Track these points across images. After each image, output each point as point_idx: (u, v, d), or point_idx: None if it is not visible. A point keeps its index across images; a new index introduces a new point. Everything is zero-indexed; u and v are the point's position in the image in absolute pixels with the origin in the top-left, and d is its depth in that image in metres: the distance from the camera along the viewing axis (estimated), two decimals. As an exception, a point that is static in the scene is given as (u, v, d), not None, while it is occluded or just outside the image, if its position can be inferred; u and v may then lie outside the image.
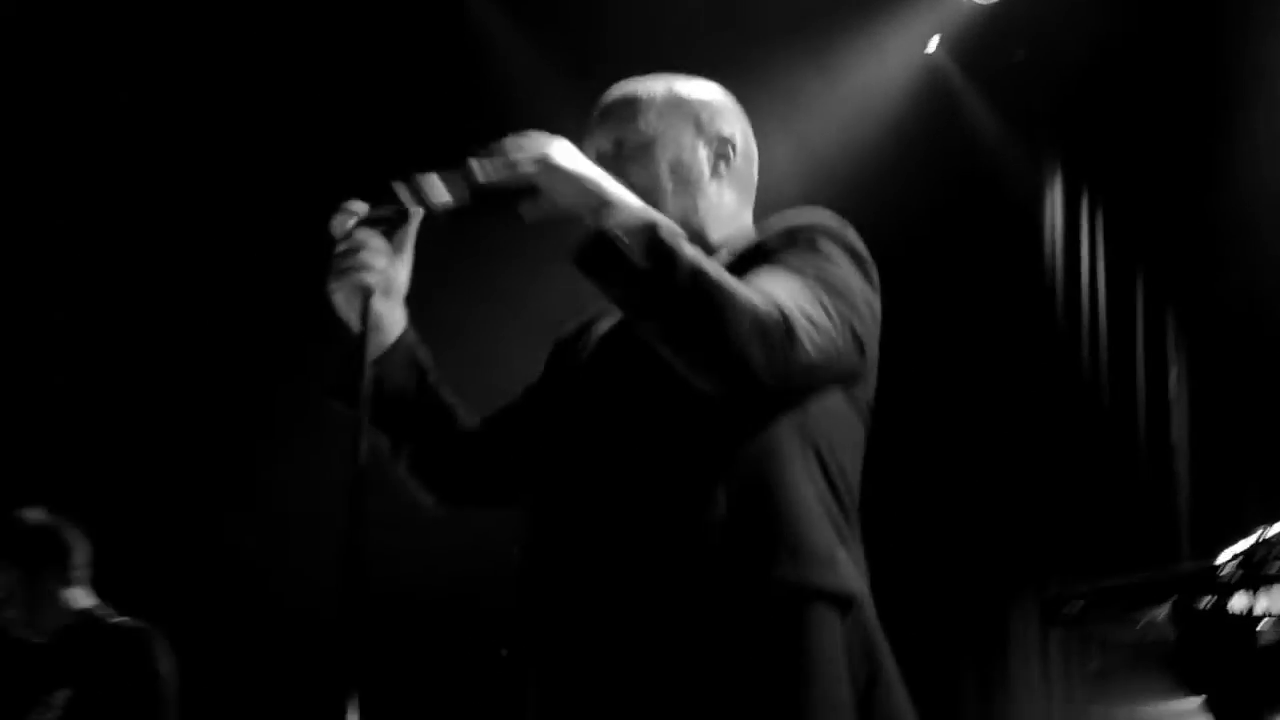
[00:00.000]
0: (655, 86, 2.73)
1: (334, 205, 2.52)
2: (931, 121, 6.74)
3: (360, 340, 2.48)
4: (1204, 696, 4.64)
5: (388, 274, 2.57)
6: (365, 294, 2.52)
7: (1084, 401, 6.47)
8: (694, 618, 2.35)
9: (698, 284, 2.30)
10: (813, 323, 2.36)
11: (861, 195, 6.32)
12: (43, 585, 4.43)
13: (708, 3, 6.22)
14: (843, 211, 6.16)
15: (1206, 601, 4.81)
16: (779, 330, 2.31)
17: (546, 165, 2.46)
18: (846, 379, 2.50)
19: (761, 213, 2.71)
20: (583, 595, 2.44)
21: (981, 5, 6.58)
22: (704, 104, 2.74)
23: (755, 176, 2.79)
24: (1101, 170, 6.67)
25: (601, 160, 2.64)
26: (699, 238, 2.58)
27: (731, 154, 2.72)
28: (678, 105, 2.71)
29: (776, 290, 2.37)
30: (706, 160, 2.70)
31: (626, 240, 2.31)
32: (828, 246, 2.50)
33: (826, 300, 2.40)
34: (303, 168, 5.91)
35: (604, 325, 2.69)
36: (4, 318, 6.06)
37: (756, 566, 2.36)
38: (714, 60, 6.29)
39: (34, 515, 4.51)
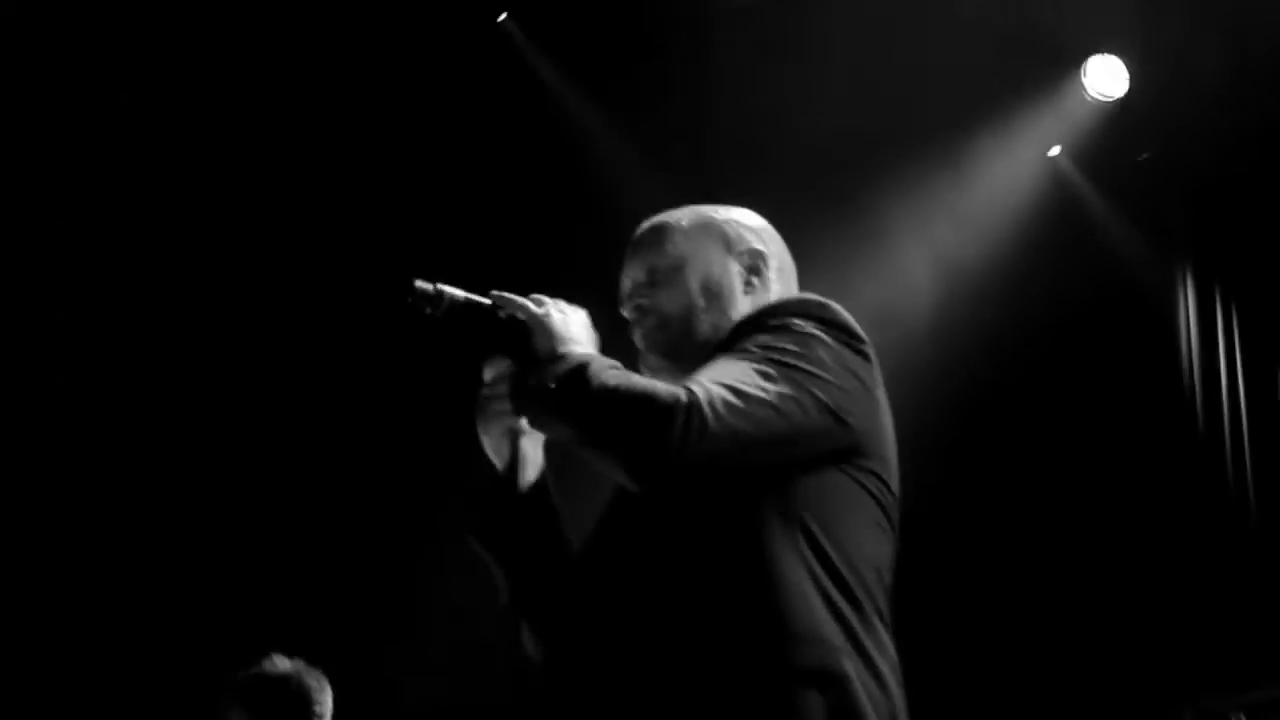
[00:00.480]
0: (683, 213, 2.79)
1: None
2: (1060, 225, 6.69)
3: (507, 479, 2.62)
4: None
5: None
6: (514, 435, 2.63)
7: (1230, 509, 6.35)
8: (695, 711, 2.36)
9: (594, 394, 2.39)
10: (737, 396, 2.37)
11: (993, 302, 6.48)
12: None
13: (845, 110, 6.18)
14: (975, 319, 6.11)
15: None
16: (677, 413, 2.34)
17: (534, 314, 2.54)
18: (827, 451, 2.48)
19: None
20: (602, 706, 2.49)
21: (1104, 103, 6.53)
22: (731, 223, 2.77)
23: (794, 289, 2.78)
24: (1234, 270, 6.58)
25: (636, 289, 2.73)
26: None
27: (764, 267, 2.74)
28: (705, 227, 2.75)
29: (701, 375, 2.42)
30: (739, 275, 2.72)
31: (553, 385, 2.44)
32: (797, 324, 2.52)
33: (772, 373, 2.42)
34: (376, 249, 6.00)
35: None
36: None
37: (742, 654, 2.37)
38: (844, 166, 6.49)
39: (278, 663, 4.54)
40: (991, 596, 6.40)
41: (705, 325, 2.67)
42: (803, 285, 2.77)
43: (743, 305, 2.69)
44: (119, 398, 6.16)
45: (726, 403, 2.36)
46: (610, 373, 2.42)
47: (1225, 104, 6.33)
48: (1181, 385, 6.58)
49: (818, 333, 2.52)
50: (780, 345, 2.48)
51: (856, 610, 2.45)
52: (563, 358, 2.47)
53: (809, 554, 2.45)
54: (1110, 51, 6.44)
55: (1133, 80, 6.43)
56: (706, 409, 2.35)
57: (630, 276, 2.76)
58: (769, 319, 2.55)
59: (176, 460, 6.17)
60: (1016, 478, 6.56)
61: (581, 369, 2.42)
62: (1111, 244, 6.79)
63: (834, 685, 2.37)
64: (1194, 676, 6.22)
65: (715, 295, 2.69)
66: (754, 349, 2.48)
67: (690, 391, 2.36)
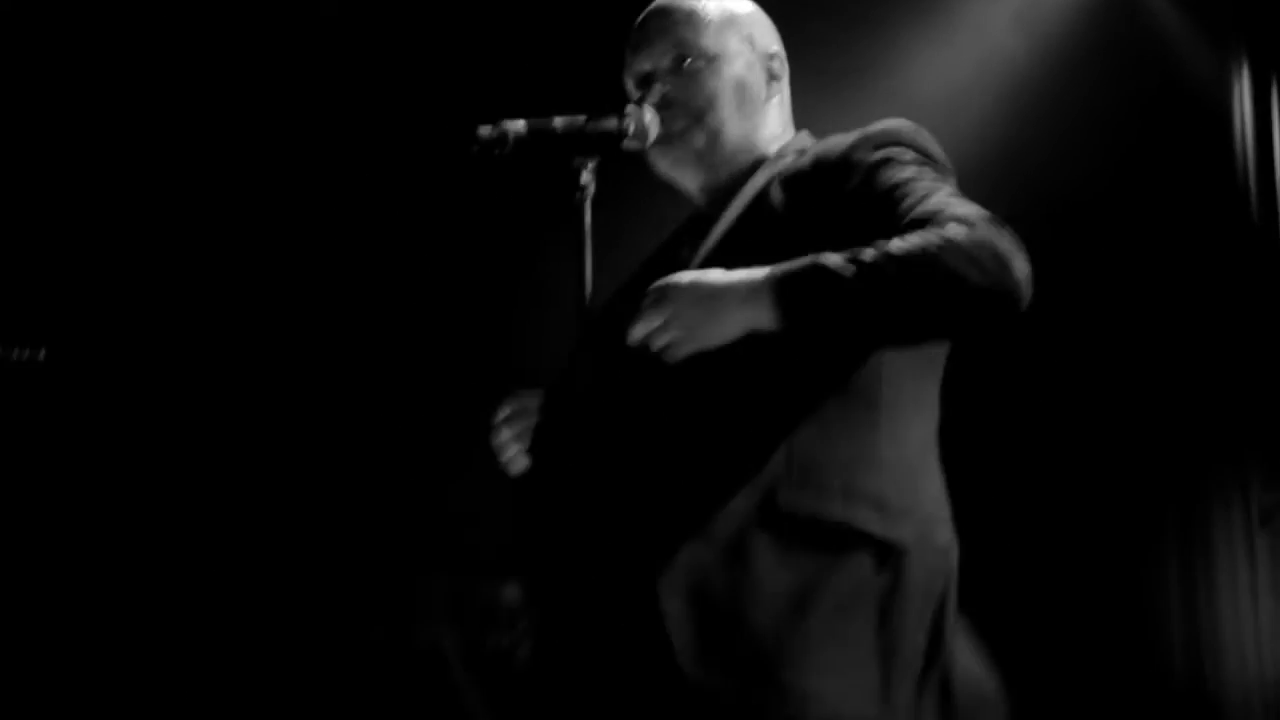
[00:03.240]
0: (706, 2, 2.72)
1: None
2: (1112, 16, 6.61)
3: None
4: None
5: None
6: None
7: None
8: (754, 549, 2.33)
9: (904, 267, 2.23)
10: (994, 220, 2.34)
11: (1039, 98, 6.47)
12: None
13: None
14: (1028, 108, 6.18)
15: None
16: (994, 244, 2.28)
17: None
18: None
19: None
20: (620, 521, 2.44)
21: None
22: (752, 20, 2.73)
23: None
24: None
25: (661, 74, 2.66)
26: (756, 156, 2.67)
27: (779, 71, 2.74)
28: (731, 22, 2.70)
29: (952, 207, 2.33)
30: (763, 79, 2.71)
31: (824, 276, 2.23)
32: (921, 162, 2.50)
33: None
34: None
35: (681, 255, 2.69)
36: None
37: (821, 510, 2.37)
38: None
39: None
40: (1046, 393, 6.47)
41: (735, 128, 2.64)
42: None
43: (766, 109, 2.69)
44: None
45: (996, 222, 2.36)
46: (885, 248, 2.30)
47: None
48: (1235, 177, 6.55)
49: (937, 163, 2.54)
50: (947, 183, 2.47)
51: (927, 461, 2.54)
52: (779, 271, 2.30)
53: (897, 416, 2.47)
54: None
55: None
56: (1000, 232, 2.33)
57: (651, 60, 2.67)
58: (896, 149, 2.50)
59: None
60: (1069, 271, 6.54)
61: (850, 259, 2.27)
62: (1164, 34, 6.70)
63: (903, 554, 2.42)
64: (1245, 471, 6.32)
65: (746, 99, 2.66)
66: (937, 181, 2.44)
67: (975, 221, 2.31)
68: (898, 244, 2.25)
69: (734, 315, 2.24)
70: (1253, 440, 6.30)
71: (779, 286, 2.21)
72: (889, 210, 2.37)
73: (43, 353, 4.66)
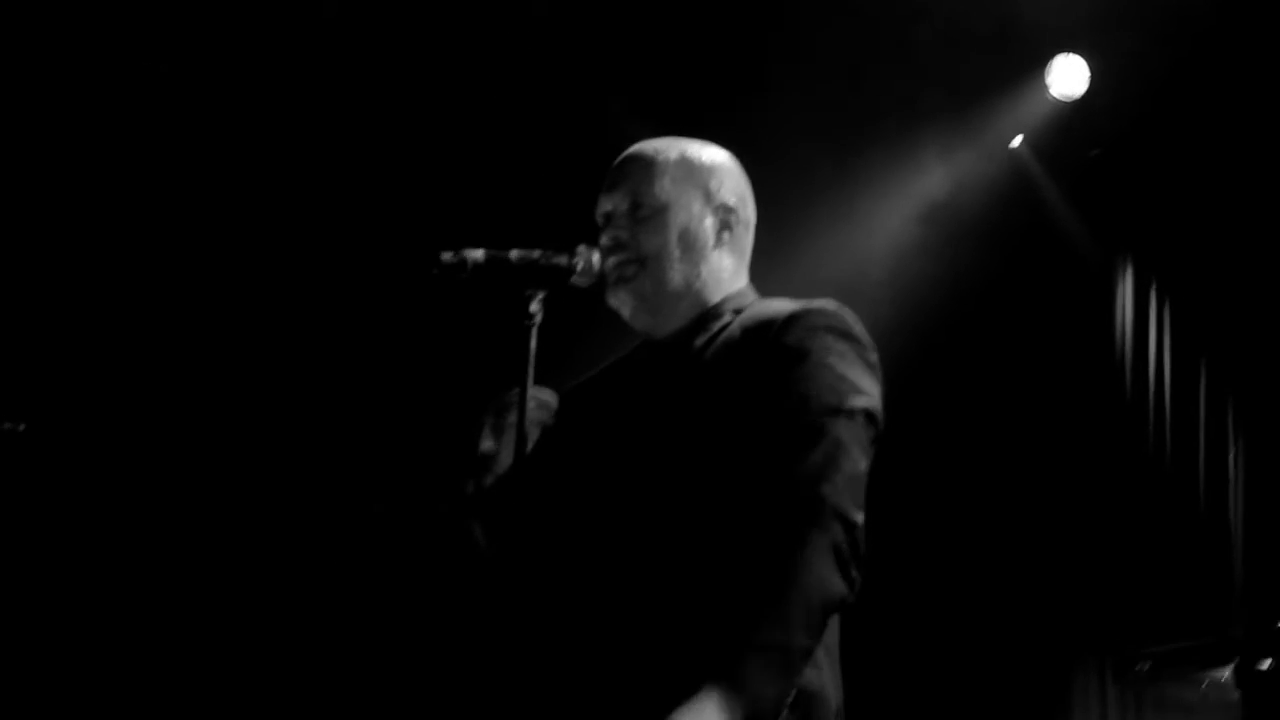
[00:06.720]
0: (670, 152, 2.84)
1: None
2: (1017, 209, 7.10)
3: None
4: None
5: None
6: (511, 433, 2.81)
7: (1149, 477, 6.83)
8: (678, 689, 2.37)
9: (791, 645, 2.35)
10: (854, 485, 2.47)
11: (945, 279, 6.87)
12: None
13: (834, 96, 6.61)
14: (927, 292, 6.46)
15: (1268, 663, 5.17)
16: (850, 548, 2.42)
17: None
18: None
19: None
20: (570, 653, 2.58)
21: (1064, 101, 6.86)
22: (713, 172, 2.84)
23: (752, 241, 2.90)
24: (1169, 262, 7.04)
25: (614, 217, 2.81)
26: (700, 301, 2.79)
27: (734, 223, 2.84)
28: (690, 173, 2.82)
29: (828, 468, 2.44)
30: (712, 229, 2.81)
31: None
32: (842, 346, 2.61)
33: (862, 438, 2.53)
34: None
35: (618, 386, 2.84)
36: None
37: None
38: (828, 145, 6.83)
39: None
40: (916, 548, 6.78)
41: (677, 275, 2.77)
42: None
43: (712, 257, 2.80)
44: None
45: (853, 494, 2.46)
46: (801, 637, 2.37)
47: (1172, 110, 6.75)
48: (1113, 363, 7.05)
49: (857, 352, 2.61)
50: (847, 390, 2.54)
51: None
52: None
53: None
54: (1074, 52, 6.76)
55: (1092, 81, 6.77)
56: (851, 537, 2.43)
57: (612, 202, 2.82)
58: (815, 338, 2.60)
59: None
60: (957, 431, 7.03)
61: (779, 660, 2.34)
62: (1059, 231, 7.20)
63: (805, 700, 2.49)
64: (1104, 624, 6.71)
65: (689, 247, 2.78)
66: (837, 403, 2.52)
67: (839, 513, 2.42)
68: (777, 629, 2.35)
69: None
70: (1111, 608, 6.71)
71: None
72: (794, 405, 2.53)
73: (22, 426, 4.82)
